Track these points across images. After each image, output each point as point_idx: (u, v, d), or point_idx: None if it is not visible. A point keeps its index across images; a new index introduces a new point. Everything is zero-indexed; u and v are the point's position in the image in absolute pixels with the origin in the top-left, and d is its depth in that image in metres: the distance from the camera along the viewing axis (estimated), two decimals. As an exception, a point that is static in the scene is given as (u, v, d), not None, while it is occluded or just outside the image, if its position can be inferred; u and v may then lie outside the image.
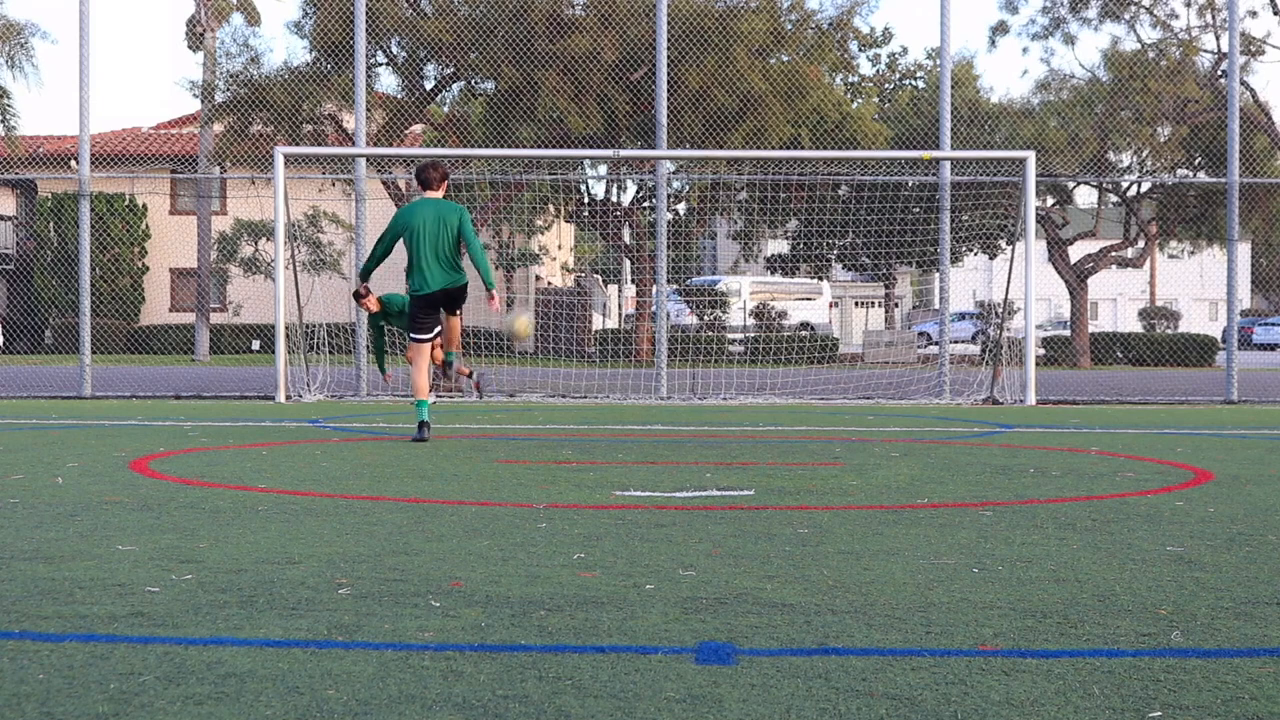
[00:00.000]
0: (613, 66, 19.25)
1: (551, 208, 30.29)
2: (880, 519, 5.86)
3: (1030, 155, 15.95)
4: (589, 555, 4.85)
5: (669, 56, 17.58)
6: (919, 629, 3.71)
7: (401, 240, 9.87)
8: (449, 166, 20.01)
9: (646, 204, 31.58)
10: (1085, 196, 34.89)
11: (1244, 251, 45.76)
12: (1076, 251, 32.42)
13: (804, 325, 35.28)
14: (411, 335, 10.00)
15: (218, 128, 22.78)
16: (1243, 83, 26.51)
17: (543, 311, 30.34)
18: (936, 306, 32.55)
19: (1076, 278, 31.73)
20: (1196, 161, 29.47)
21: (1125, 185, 31.26)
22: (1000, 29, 29.55)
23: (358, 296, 11.14)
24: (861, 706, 2.97)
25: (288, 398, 15.13)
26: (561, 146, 19.71)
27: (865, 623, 3.78)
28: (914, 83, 44.68)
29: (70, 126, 54.70)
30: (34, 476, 7.28)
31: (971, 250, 37.00)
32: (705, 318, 33.16)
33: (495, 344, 22.54)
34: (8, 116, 28.70)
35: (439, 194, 9.97)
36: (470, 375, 12.72)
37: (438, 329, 10.01)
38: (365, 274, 10.40)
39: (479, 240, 9.96)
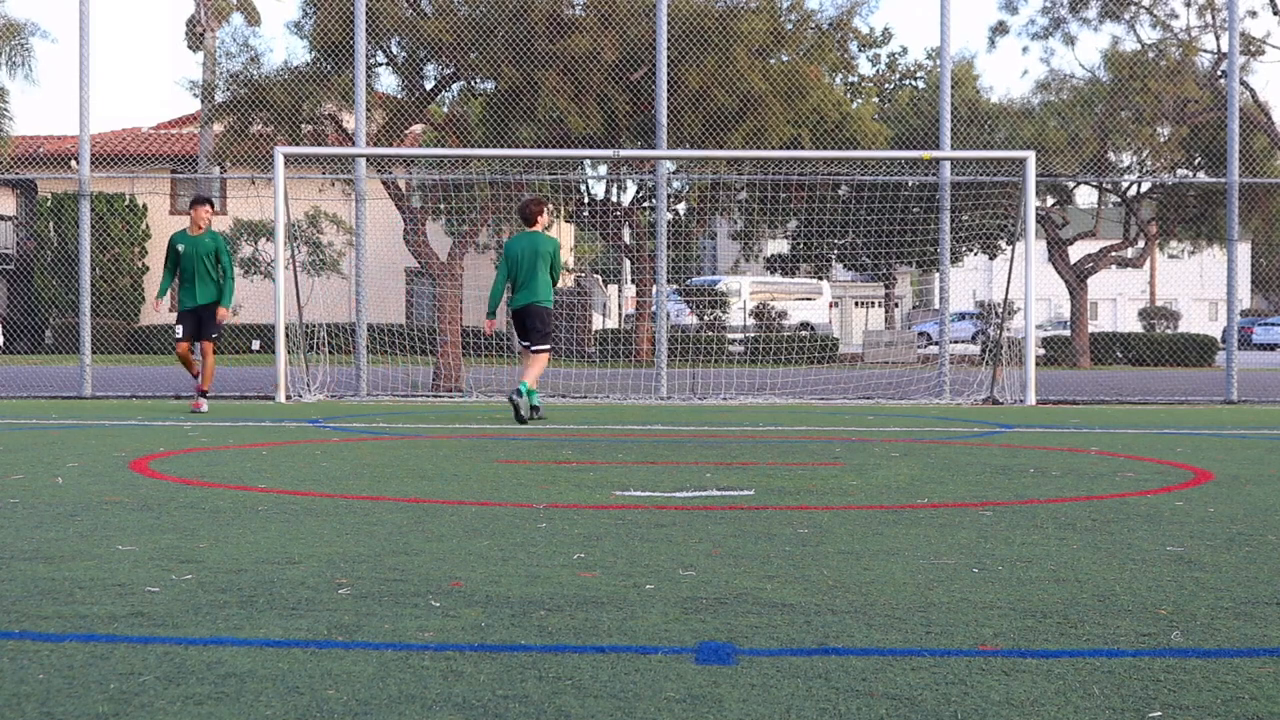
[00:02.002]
0: (613, 66, 19.24)
1: (551, 207, 30.27)
2: (880, 519, 5.86)
3: (1030, 155, 15.95)
4: (589, 555, 4.85)
5: (669, 56, 17.56)
6: (919, 629, 3.71)
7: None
8: (450, 166, 20.03)
9: (646, 204, 31.55)
10: (1085, 196, 34.89)
11: (1244, 251, 45.74)
12: (1076, 251, 32.42)
13: (804, 325, 35.28)
14: (521, 343, 12.18)
15: (218, 128, 22.77)
16: (1243, 83, 26.51)
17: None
18: (936, 306, 32.55)
19: (1076, 278, 31.74)
20: (1196, 161, 29.47)
21: (1125, 185, 31.26)
22: (1000, 29, 29.54)
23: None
24: (861, 706, 2.97)
25: (288, 398, 15.13)
26: (561, 146, 19.70)
27: (865, 623, 3.78)
28: (914, 83, 44.67)
29: (70, 126, 54.72)
30: (34, 476, 7.28)
31: (971, 250, 36.99)
32: (705, 318, 33.15)
33: (495, 344, 22.54)
34: (2, 118, 28.71)
35: (537, 227, 12.16)
36: (204, 393, 13.38)
37: (525, 339, 12.01)
38: (492, 309, 12.27)
39: (560, 268, 12.16)
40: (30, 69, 29.04)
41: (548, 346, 11.96)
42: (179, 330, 13.14)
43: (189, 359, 13.13)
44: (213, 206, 13.36)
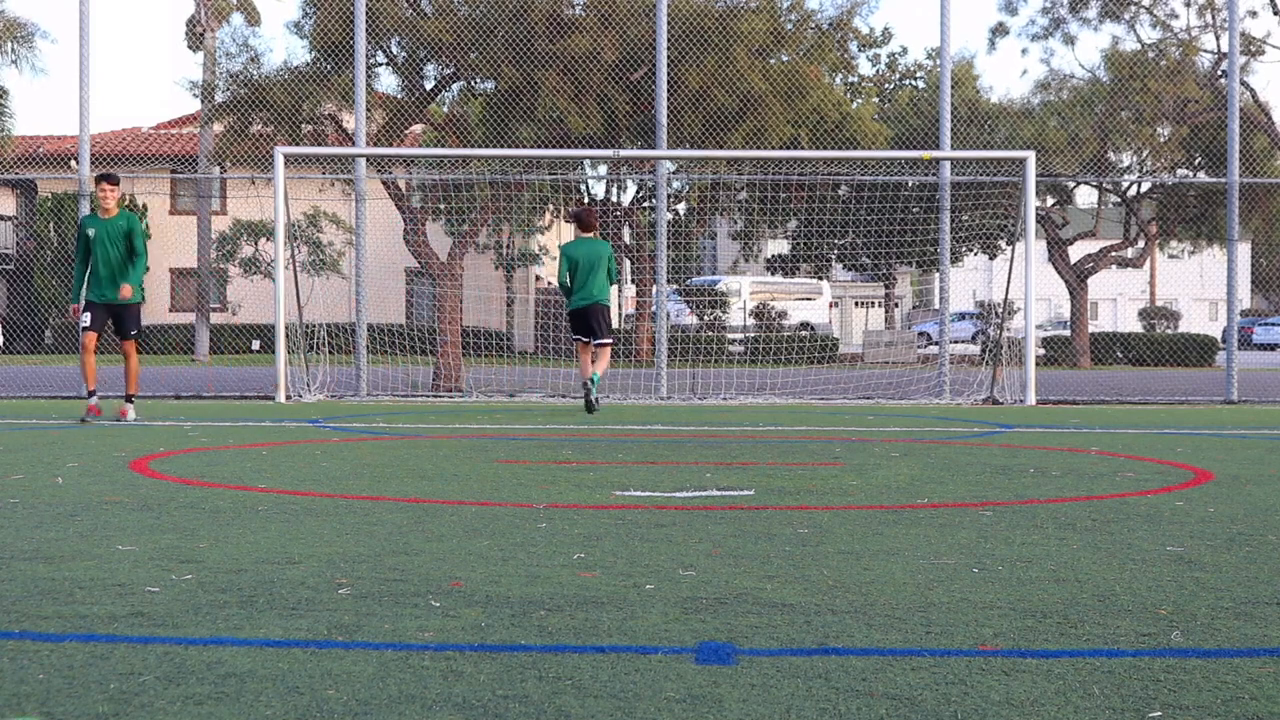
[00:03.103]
0: (613, 66, 19.23)
1: (551, 208, 30.29)
2: (880, 519, 5.86)
3: (1030, 155, 15.95)
4: (589, 555, 4.85)
5: (669, 56, 17.56)
6: (919, 629, 3.71)
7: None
8: (450, 166, 20.02)
9: (646, 204, 31.54)
10: (1085, 196, 34.89)
11: (1244, 251, 45.74)
12: (1076, 251, 32.43)
13: (804, 325, 35.28)
14: (573, 337, 13.23)
15: (218, 128, 22.76)
16: (1243, 83, 26.51)
17: (543, 312, 30.35)
18: (936, 306, 32.55)
19: (1076, 278, 31.74)
20: (1196, 161, 29.47)
21: (1125, 185, 31.26)
22: (1000, 30, 29.54)
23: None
24: (861, 706, 2.97)
25: (288, 398, 15.13)
26: (561, 146, 19.69)
27: (865, 623, 3.78)
28: (914, 83, 44.65)
29: (70, 126, 54.71)
30: (34, 476, 7.28)
31: (971, 250, 36.99)
32: (705, 318, 33.15)
33: (496, 343, 22.54)
34: (3, 116, 28.69)
35: (594, 234, 13.16)
36: (131, 398, 11.99)
37: (589, 336, 13.01)
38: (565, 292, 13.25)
39: (616, 273, 13.22)
40: (35, 61, 29.00)
41: (610, 340, 13.20)
42: (85, 319, 11.61)
43: (92, 357, 11.69)
44: (116, 184, 11.76)
